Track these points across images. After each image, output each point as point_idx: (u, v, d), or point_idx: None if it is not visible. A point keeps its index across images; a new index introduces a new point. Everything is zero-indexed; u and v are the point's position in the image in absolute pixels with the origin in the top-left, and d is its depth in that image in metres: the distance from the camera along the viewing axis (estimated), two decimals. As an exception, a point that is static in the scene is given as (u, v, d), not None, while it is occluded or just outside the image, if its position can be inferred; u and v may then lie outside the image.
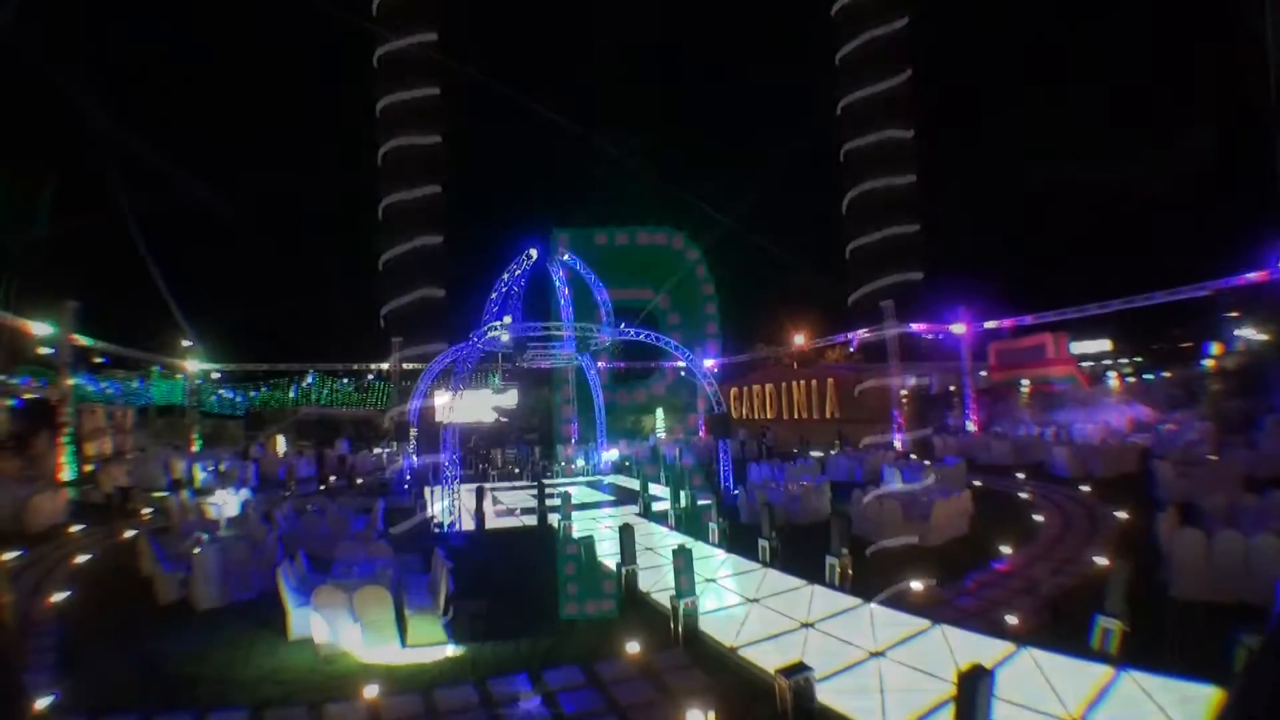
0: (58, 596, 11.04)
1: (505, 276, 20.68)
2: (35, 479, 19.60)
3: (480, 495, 15.12)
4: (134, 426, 30.67)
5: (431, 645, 8.52)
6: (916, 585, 10.00)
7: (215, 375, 33.88)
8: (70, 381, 26.24)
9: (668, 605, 8.18)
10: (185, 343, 32.69)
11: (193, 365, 32.32)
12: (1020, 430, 27.49)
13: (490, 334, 16.96)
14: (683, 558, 7.92)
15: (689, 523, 14.91)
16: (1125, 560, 7.96)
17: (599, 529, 14.90)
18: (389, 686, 7.34)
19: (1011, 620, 8.53)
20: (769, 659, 7.32)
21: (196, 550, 10.96)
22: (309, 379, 38.81)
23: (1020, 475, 20.70)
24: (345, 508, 15.25)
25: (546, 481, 23.92)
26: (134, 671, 8.00)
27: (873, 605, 9.13)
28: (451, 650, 8.36)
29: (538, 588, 10.70)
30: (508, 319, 18.05)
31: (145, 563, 11.89)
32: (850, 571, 10.17)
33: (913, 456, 24.24)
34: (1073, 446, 21.67)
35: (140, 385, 33.29)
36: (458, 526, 14.48)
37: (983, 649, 7.48)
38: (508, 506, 18.95)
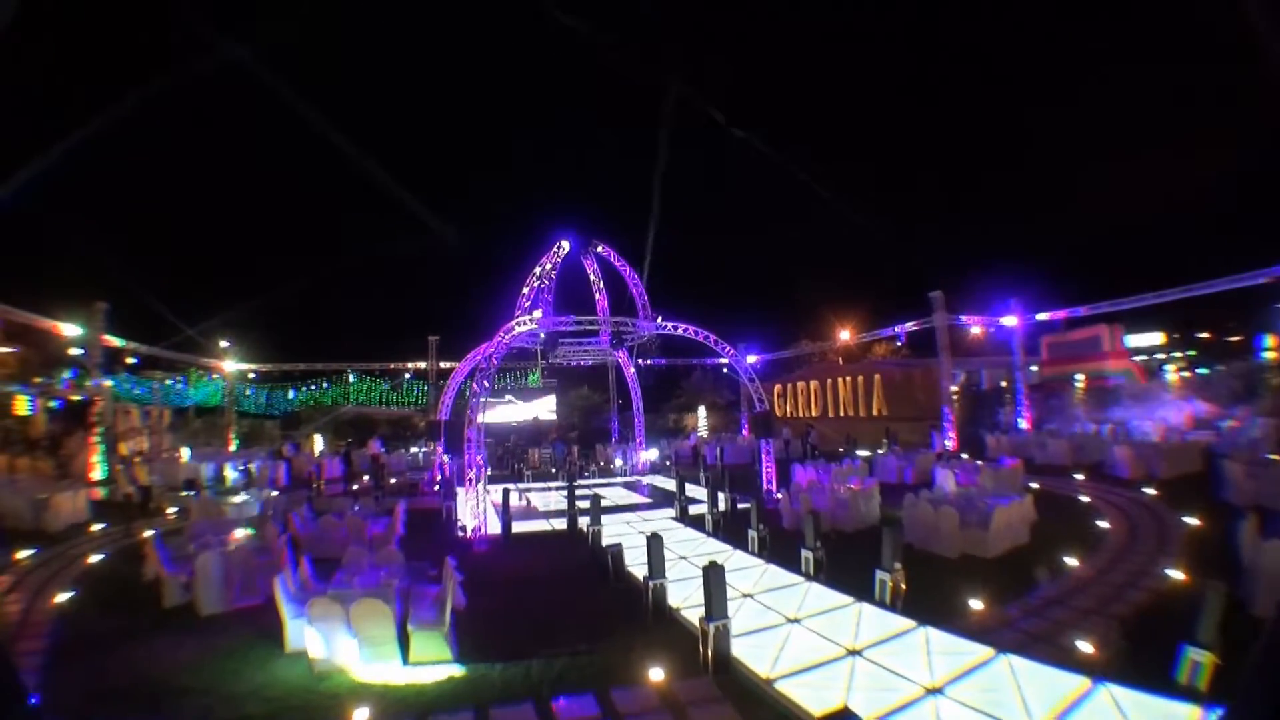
0: (62, 597, 10.63)
1: (537, 271, 19.87)
2: (62, 478, 19.51)
3: (506, 498, 14.25)
4: (171, 427, 30.87)
5: (435, 664, 7.65)
6: (976, 604, 8.76)
7: (251, 375, 33.91)
8: (108, 383, 26.48)
9: (698, 624, 7.10)
10: (223, 343, 32.86)
11: (230, 365, 32.42)
12: (1075, 428, 26.27)
13: (519, 329, 16.10)
14: (714, 576, 6.84)
15: (727, 528, 13.79)
16: (1215, 581, 6.64)
17: (632, 534, 13.87)
18: (380, 709, 6.51)
19: (1084, 647, 7.29)
20: (810, 696, 6.30)
21: (200, 554, 10.31)
22: (350, 378, 38.68)
23: (1078, 476, 19.39)
24: (365, 510, 14.61)
25: (582, 482, 23.10)
26: (121, 679, 7.47)
27: (928, 629, 7.93)
28: (457, 670, 7.46)
29: (557, 601, 9.82)
30: (537, 313, 17.16)
31: (150, 564, 11.33)
32: (903, 587, 8.94)
33: (964, 456, 22.86)
34: (1133, 445, 20.31)
35: (183, 386, 33.53)
36: (482, 531, 13.61)
37: (1054, 685, 6.36)
38: (538, 508, 18.09)
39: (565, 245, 19.24)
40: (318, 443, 33.47)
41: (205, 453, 27.75)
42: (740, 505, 16.26)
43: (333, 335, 49.42)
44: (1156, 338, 42.41)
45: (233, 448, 30.95)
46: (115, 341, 24.53)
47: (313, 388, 38.15)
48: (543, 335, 18.03)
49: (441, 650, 7.74)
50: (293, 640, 8.17)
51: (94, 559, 13.22)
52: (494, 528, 14.17)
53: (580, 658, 7.56)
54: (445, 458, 20.94)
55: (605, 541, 12.61)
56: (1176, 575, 9.73)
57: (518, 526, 14.75)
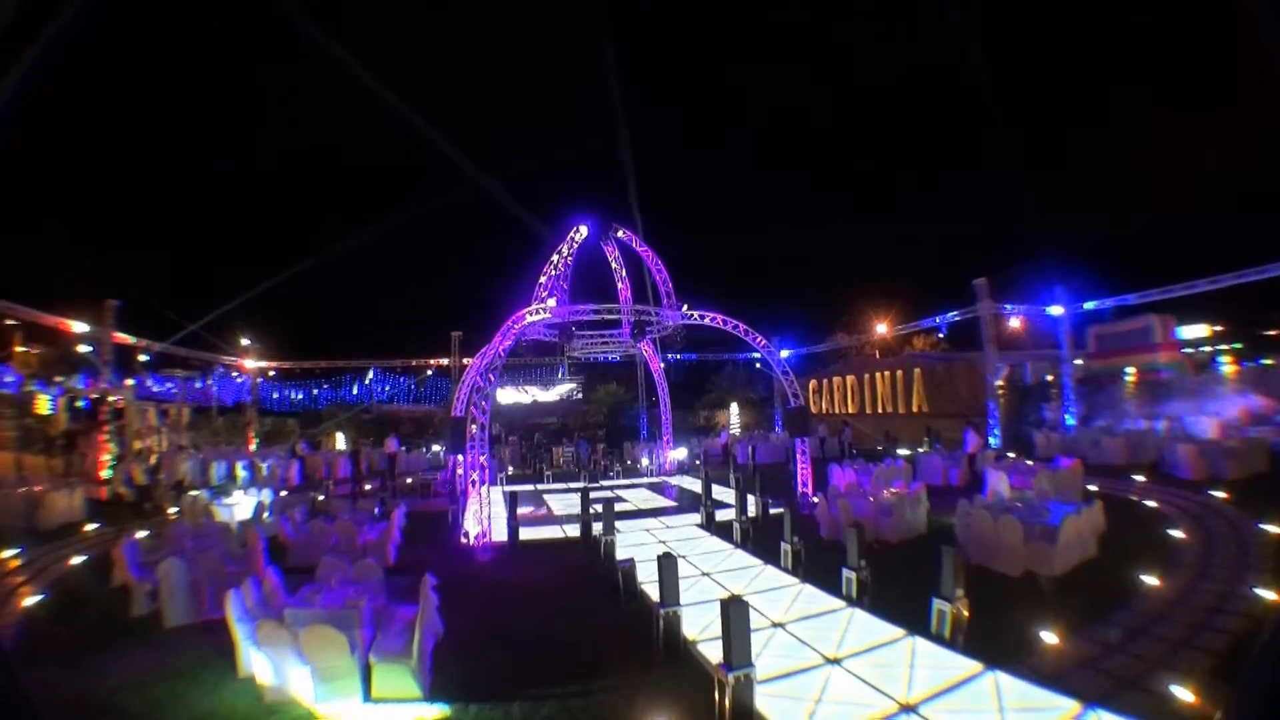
0: (30, 601, 9.93)
1: (555, 258, 18.60)
2: (68, 477, 18.96)
3: (513, 502, 12.94)
4: (190, 424, 30.44)
5: (401, 702, 6.39)
6: (1049, 637, 7.19)
7: (271, 373, 33.42)
8: (129, 382, 26.07)
9: (715, 672, 5.67)
10: (244, 341, 32.40)
11: (250, 363, 31.94)
12: (1126, 424, 25.01)
13: (530, 318, 14.82)
14: (735, 614, 5.41)
15: (758, 538, 12.27)
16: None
17: (652, 544, 12.49)
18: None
19: (1183, 695, 5.78)
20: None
21: (165, 561, 9.26)
22: (370, 375, 38.02)
23: (1138, 478, 17.68)
24: (362, 514, 13.49)
25: (605, 483, 21.79)
26: (59, 694, 6.64)
27: (997, 673, 6.40)
28: (426, 711, 6.20)
29: (556, 625, 8.49)
30: (551, 301, 15.85)
31: (119, 570, 10.37)
32: (966, 615, 7.33)
33: (1010, 455, 21.16)
34: (1195, 443, 18.67)
35: (203, 384, 33.18)
36: (486, 538, 12.36)
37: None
38: (554, 512, 16.83)
39: (583, 230, 17.90)
40: (339, 441, 32.77)
41: (224, 452, 27.16)
42: (772, 510, 14.79)
43: (354, 331, 48.87)
44: (1204, 329, 39.65)
45: (253, 446, 30.44)
46: (127, 339, 24.02)
47: (324, 385, 37.50)
48: (539, 319, 16.57)
49: (408, 686, 6.47)
50: (246, 663, 7.01)
51: (76, 561, 12.41)
52: (501, 533, 12.90)
53: (572, 700, 6.22)
54: (460, 457, 19.85)
55: (620, 553, 11.29)
56: (1267, 595, 8.25)
57: (527, 533, 13.50)
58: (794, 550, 10.30)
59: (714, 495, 14.68)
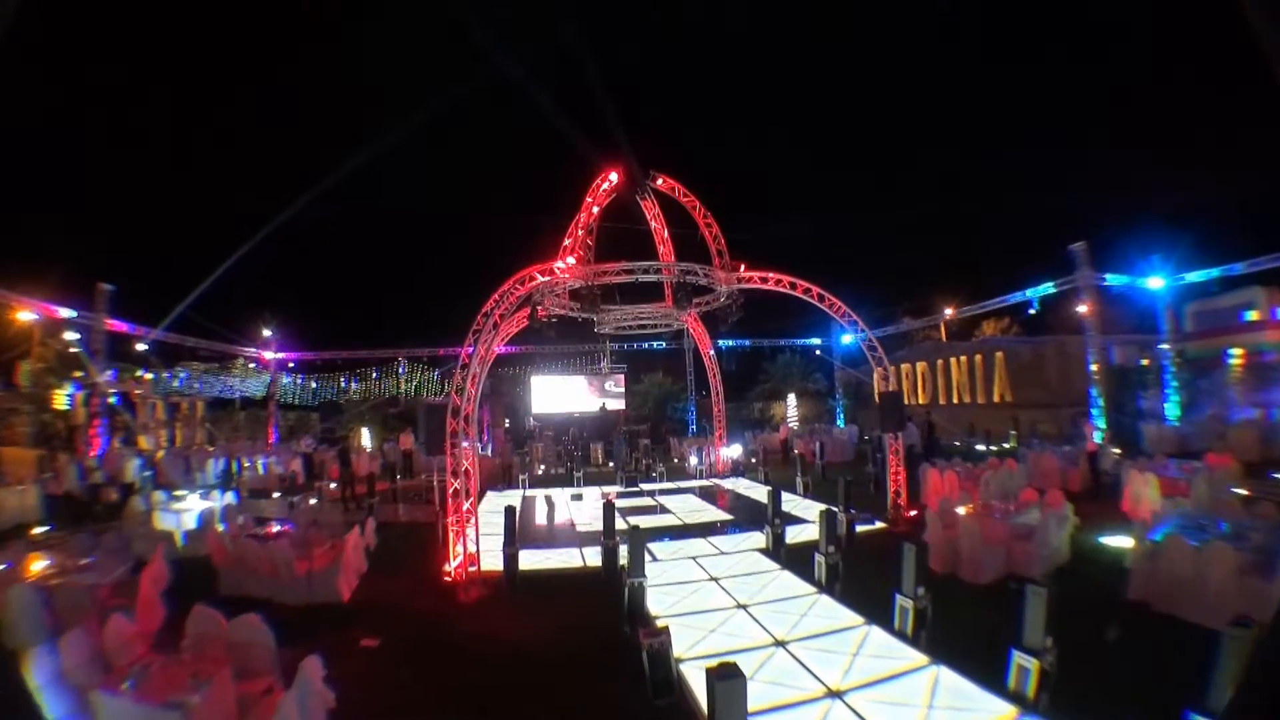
0: None
1: (580, 216, 15.26)
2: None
3: (512, 522, 9.60)
4: (208, 419, 28.53)
5: None
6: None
7: (291, 365, 31.26)
8: (148, 376, 24.12)
9: None
10: (265, 331, 30.31)
11: (270, 355, 29.84)
12: (1236, 413, 22.25)
13: (541, 277, 11.45)
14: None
15: (850, 575, 8.67)
16: None
17: (701, 584, 9.09)
18: None
19: None
20: None
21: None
22: (400, 368, 35.54)
23: None
24: (301, 534, 10.31)
25: (647, 486, 18.41)
26: None
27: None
28: None
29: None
30: (571, 260, 12.51)
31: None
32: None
33: (1116, 452, 17.86)
34: None
35: (223, 377, 31.29)
36: (474, 566, 9.19)
37: None
38: (575, 526, 13.63)
39: (614, 178, 14.48)
40: (364, 437, 30.42)
41: (239, 448, 24.99)
42: (860, 527, 11.27)
43: (380, 321, 46.44)
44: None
45: (272, 442, 28.35)
46: (122, 325, 21.93)
47: (343, 377, 35.17)
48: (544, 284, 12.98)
49: None
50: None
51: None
52: (497, 560, 9.65)
53: None
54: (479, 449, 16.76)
55: (654, 598, 8.01)
56: None
57: (534, 559, 10.28)
58: (918, 608, 6.76)
59: (782, 505, 11.11)
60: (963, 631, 6.89)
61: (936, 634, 6.74)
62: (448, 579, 9.12)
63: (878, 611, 7.40)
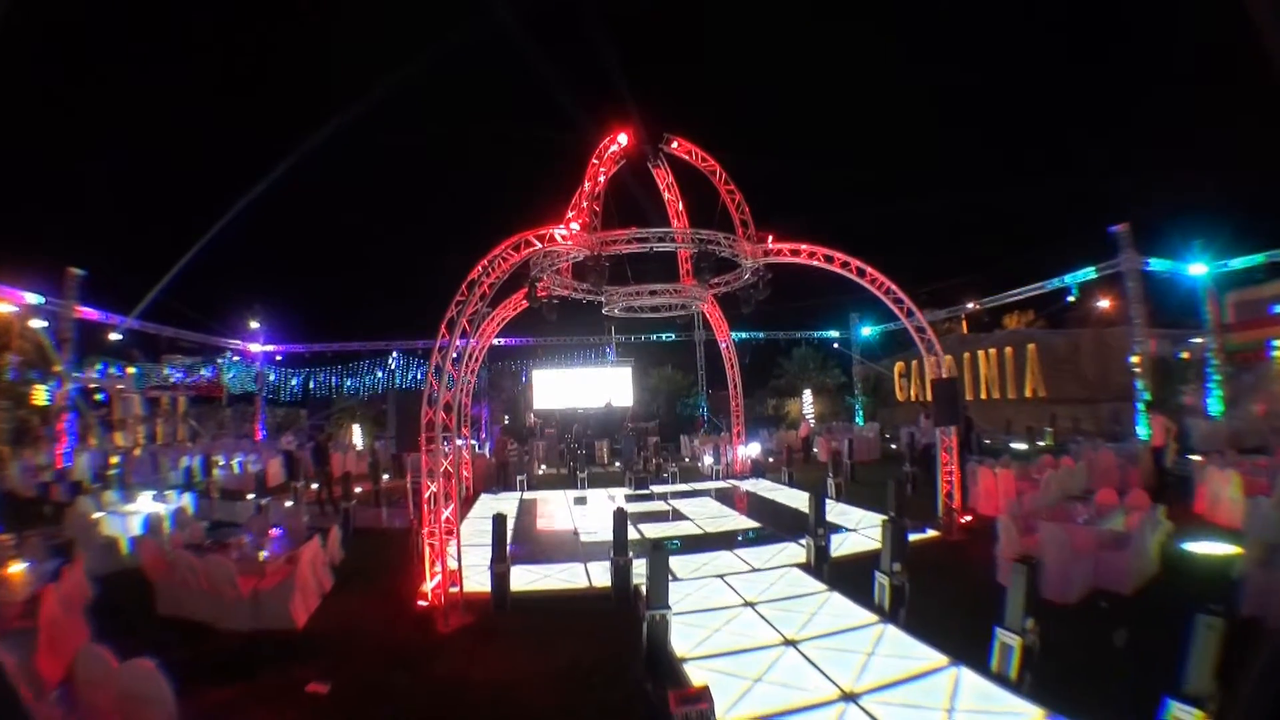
0: None
1: (587, 185, 13.68)
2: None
3: (499, 532, 8.01)
4: (186, 415, 27.05)
5: None
6: None
7: (278, 358, 29.70)
8: (124, 368, 22.69)
9: None
10: (253, 324, 28.80)
11: (257, 347, 28.34)
12: None
13: (537, 243, 9.82)
14: None
15: (916, 596, 7.02)
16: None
17: (734, 610, 7.47)
18: None
19: None
20: None
21: None
22: (393, 361, 33.92)
23: None
24: (256, 545, 8.71)
25: (658, 489, 16.67)
26: None
27: None
28: None
29: None
30: (575, 226, 10.88)
31: None
32: None
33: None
34: None
35: (211, 372, 29.77)
36: (459, 588, 7.62)
37: None
38: (578, 532, 12.08)
39: (623, 139, 12.87)
40: (355, 434, 28.91)
41: (221, 445, 23.52)
42: (911, 535, 9.68)
43: (372, 312, 44.77)
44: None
45: (259, 438, 26.89)
46: (94, 313, 20.49)
47: (333, 371, 33.63)
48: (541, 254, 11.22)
49: None
50: None
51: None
52: (483, 580, 8.05)
53: None
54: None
55: (680, 634, 6.40)
56: None
57: (528, 576, 8.71)
58: (1024, 645, 5.17)
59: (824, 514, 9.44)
60: (1071, 670, 5.38)
61: (1045, 675, 5.20)
62: (423, 603, 7.53)
63: (960, 646, 5.86)
